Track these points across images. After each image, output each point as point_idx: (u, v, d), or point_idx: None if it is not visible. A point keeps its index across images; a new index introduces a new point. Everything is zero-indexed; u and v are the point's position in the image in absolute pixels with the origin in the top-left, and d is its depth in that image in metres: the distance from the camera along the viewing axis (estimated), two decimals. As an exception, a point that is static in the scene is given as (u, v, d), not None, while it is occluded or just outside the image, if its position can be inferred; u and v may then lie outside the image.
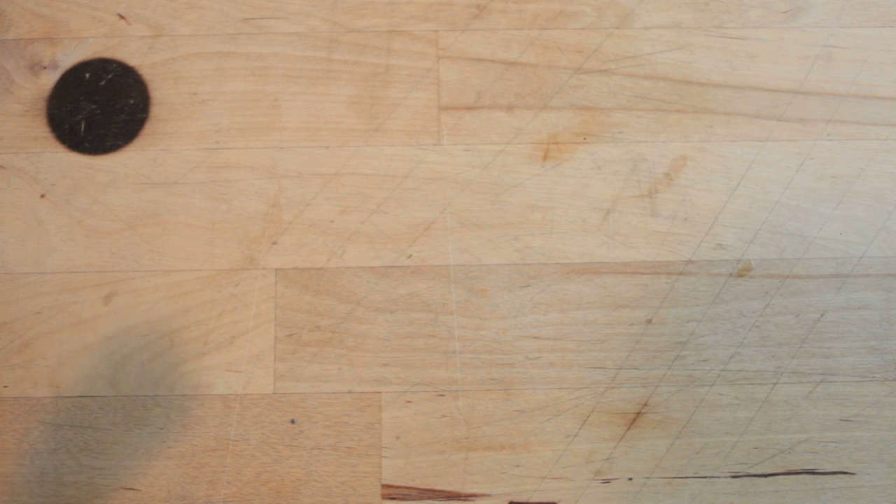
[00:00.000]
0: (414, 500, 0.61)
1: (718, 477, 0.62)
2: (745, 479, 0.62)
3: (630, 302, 0.64)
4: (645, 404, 0.63)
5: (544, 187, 0.66)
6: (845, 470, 0.62)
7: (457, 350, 0.63)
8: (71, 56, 0.68)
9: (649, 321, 0.64)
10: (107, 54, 0.68)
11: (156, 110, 0.67)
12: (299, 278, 0.64)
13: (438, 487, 0.61)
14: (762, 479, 0.62)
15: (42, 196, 0.65)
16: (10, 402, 0.63)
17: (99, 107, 0.67)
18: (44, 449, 0.62)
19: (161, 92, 0.67)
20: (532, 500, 0.61)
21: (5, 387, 0.63)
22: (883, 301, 0.64)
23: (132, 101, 0.67)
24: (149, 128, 0.67)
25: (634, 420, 0.63)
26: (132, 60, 0.68)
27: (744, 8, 0.69)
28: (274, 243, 0.65)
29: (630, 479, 0.62)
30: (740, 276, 0.64)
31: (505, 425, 0.62)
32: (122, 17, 0.68)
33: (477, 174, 0.66)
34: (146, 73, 0.67)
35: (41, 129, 0.67)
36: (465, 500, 0.61)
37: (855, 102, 0.67)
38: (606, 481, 0.62)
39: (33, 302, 0.64)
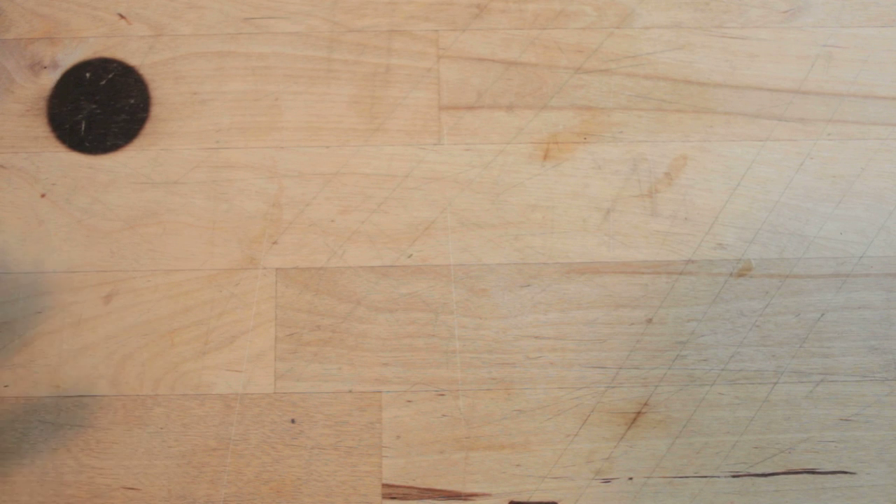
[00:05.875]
0: (414, 499, 0.61)
1: (719, 476, 0.62)
2: (745, 478, 0.62)
3: (630, 301, 0.64)
4: (645, 404, 0.63)
5: (544, 187, 0.66)
6: (845, 469, 0.62)
7: (457, 350, 0.63)
8: (71, 56, 0.68)
9: (649, 321, 0.64)
10: (107, 54, 0.68)
11: (156, 110, 0.67)
12: (300, 278, 0.64)
13: (439, 487, 0.61)
14: (762, 478, 0.62)
15: (42, 196, 0.65)
16: (10, 401, 0.63)
17: (99, 106, 0.67)
18: (44, 449, 0.62)
19: (161, 91, 0.67)
20: (532, 499, 0.61)
21: (5, 386, 0.63)
22: (883, 301, 0.64)
23: (132, 101, 0.67)
24: (149, 127, 0.67)
25: (635, 420, 0.63)
26: (133, 60, 0.68)
27: (744, 8, 0.69)
28: (274, 243, 0.65)
29: (630, 478, 0.62)
30: (740, 275, 0.64)
31: (505, 425, 0.62)
32: (122, 16, 0.68)
33: (477, 174, 0.66)
34: (146, 73, 0.67)
35: (41, 128, 0.67)
36: (465, 499, 0.61)
37: (855, 102, 0.67)
38: (607, 481, 0.62)
39: (33, 301, 0.64)
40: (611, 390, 0.63)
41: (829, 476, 0.62)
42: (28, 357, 0.63)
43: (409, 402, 0.63)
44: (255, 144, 0.66)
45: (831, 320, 0.64)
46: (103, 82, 0.67)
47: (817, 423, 0.63)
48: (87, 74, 0.67)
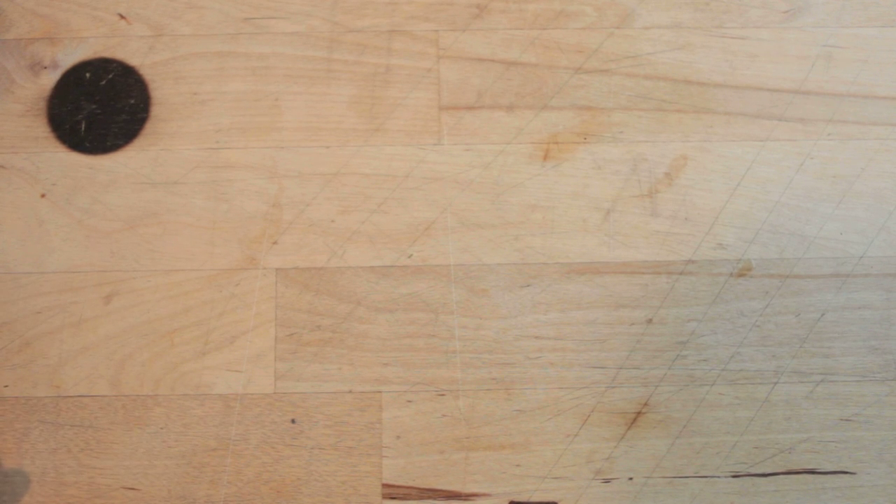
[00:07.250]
0: (414, 499, 0.61)
1: (719, 476, 0.62)
2: (745, 478, 0.62)
3: (630, 302, 0.64)
4: (645, 404, 0.63)
5: (544, 187, 0.66)
6: (846, 469, 0.62)
7: (457, 350, 0.63)
8: (71, 56, 0.68)
9: (650, 321, 0.64)
10: (107, 54, 0.68)
11: (156, 110, 0.67)
12: (300, 278, 0.64)
13: (439, 487, 0.61)
14: (763, 478, 0.62)
15: (42, 196, 0.65)
16: (10, 402, 0.63)
17: (99, 106, 0.67)
18: (44, 449, 0.62)
19: (161, 92, 0.67)
20: (532, 499, 0.61)
21: (5, 386, 0.63)
22: (883, 301, 0.64)
23: (133, 101, 0.67)
24: (149, 127, 0.67)
25: (635, 420, 0.63)
26: (133, 60, 0.68)
27: (744, 8, 0.69)
28: (274, 243, 0.65)
29: (630, 478, 0.62)
30: (741, 275, 0.64)
31: (505, 425, 0.62)
32: (122, 16, 0.68)
33: (477, 174, 0.66)
34: (147, 73, 0.67)
35: (42, 128, 0.67)
36: (465, 499, 0.61)
37: (855, 102, 0.67)
38: (607, 481, 0.62)
39: (33, 302, 0.64)
40: (611, 390, 0.63)
41: (829, 476, 0.62)
42: (28, 357, 0.63)
43: (409, 402, 0.63)
44: (255, 144, 0.66)
45: (831, 320, 0.64)
46: (103, 82, 0.67)
47: (817, 423, 0.63)
48: (87, 74, 0.67)
